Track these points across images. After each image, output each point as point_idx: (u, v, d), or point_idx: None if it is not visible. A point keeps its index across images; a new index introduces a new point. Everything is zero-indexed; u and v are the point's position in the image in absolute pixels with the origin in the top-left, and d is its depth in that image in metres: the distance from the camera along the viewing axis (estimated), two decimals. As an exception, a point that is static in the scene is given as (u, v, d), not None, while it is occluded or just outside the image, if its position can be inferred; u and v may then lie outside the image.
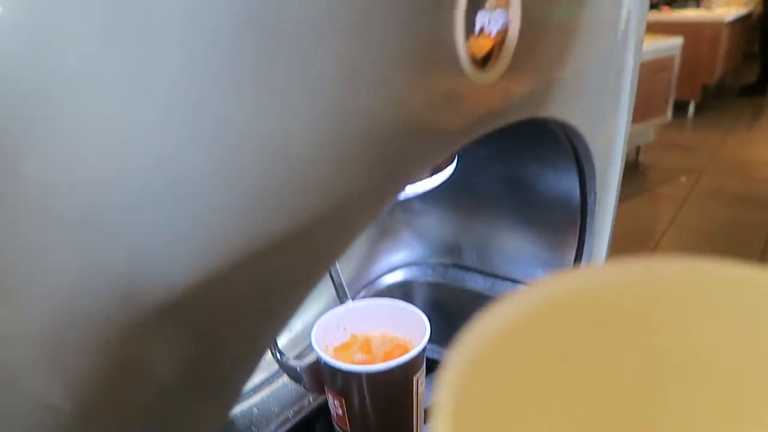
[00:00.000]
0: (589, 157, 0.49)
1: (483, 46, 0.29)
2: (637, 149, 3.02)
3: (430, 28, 0.26)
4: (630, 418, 0.13)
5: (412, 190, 0.35)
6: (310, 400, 0.55)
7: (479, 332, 0.12)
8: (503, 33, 0.30)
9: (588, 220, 0.55)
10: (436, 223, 0.65)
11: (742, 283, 0.13)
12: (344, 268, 0.64)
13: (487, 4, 0.28)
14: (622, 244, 2.29)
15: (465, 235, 0.65)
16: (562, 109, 0.40)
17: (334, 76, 0.22)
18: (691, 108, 3.69)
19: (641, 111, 2.75)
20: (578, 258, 0.58)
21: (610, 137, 0.52)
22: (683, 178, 2.93)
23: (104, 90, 0.16)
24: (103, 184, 0.17)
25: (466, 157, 0.52)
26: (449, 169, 0.38)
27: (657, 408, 0.13)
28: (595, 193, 0.53)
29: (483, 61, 0.29)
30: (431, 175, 0.36)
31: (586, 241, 0.57)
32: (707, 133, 3.48)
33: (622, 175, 0.59)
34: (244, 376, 0.24)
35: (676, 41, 2.85)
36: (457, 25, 0.27)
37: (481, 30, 0.28)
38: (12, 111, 0.15)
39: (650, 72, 2.73)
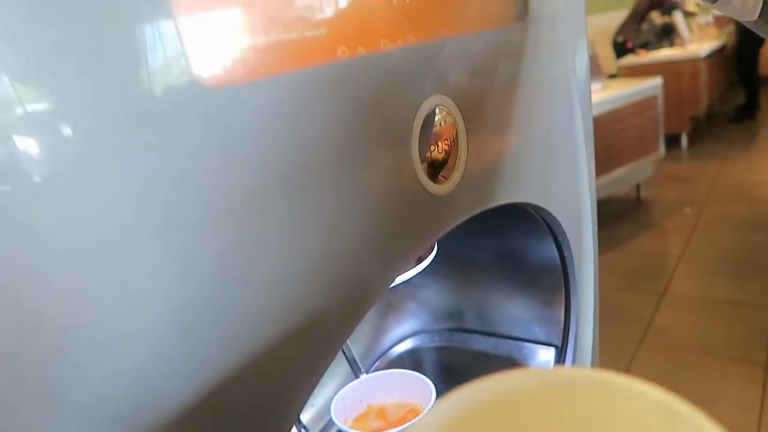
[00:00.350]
0: (559, 226, 0.56)
1: (438, 167, 0.37)
2: (638, 187, 3.08)
3: (397, 169, 0.34)
4: None
5: (401, 278, 0.42)
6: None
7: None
8: (454, 149, 0.39)
9: (570, 278, 0.62)
10: (437, 294, 0.72)
11: (620, 390, 0.17)
12: (357, 344, 0.70)
13: (436, 135, 0.37)
14: (635, 281, 2.31)
15: (465, 301, 0.72)
16: (520, 193, 0.48)
17: (327, 214, 0.30)
18: (684, 140, 3.79)
19: (634, 150, 2.84)
20: (567, 312, 0.64)
21: (576, 203, 0.60)
22: (687, 209, 2.98)
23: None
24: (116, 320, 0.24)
25: (459, 234, 0.59)
26: (431, 257, 0.46)
27: None
28: (572, 255, 0.60)
29: (440, 176, 0.38)
30: (416, 264, 0.44)
31: (572, 297, 0.63)
32: (704, 163, 3.55)
33: (596, 232, 0.66)
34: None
35: (656, 81, 2.99)
36: (414, 160, 0.35)
37: (433, 152, 0.37)
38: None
39: (636, 113, 2.85)
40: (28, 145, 0.20)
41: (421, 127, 0.36)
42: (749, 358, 1.83)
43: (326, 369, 0.31)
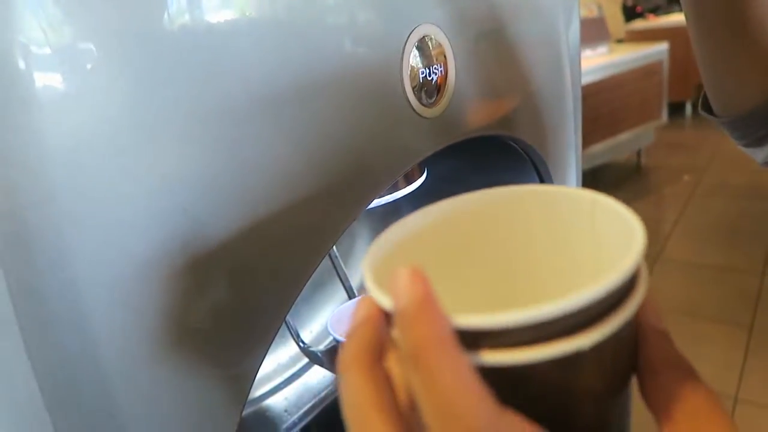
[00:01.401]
0: (544, 164, 0.60)
1: (428, 91, 0.40)
2: (639, 153, 3.10)
3: (388, 85, 0.37)
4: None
5: (392, 197, 0.46)
6: (335, 389, 0.65)
7: (391, 231, 0.23)
8: (443, 78, 0.42)
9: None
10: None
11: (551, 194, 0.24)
12: (353, 273, 0.74)
13: (427, 61, 0.40)
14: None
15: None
16: (506, 126, 0.51)
17: (324, 127, 0.33)
18: (688, 108, 3.77)
19: (637, 115, 2.84)
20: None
21: (561, 146, 0.63)
22: (686, 177, 3.00)
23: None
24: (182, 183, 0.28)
25: (450, 171, 0.63)
26: (420, 180, 0.49)
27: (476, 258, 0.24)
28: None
29: (430, 101, 0.41)
30: (407, 184, 0.47)
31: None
32: (707, 132, 3.55)
33: (581, 178, 0.69)
34: (267, 332, 0.34)
35: (662, 46, 2.96)
36: (405, 80, 0.38)
37: (425, 79, 0.40)
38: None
39: (641, 77, 2.84)
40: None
41: (412, 54, 0.39)
42: (734, 321, 1.89)
43: (315, 268, 0.35)
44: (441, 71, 0.41)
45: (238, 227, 0.31)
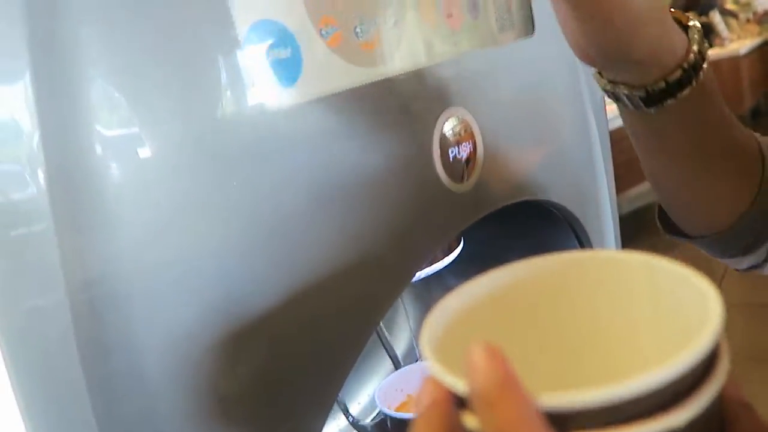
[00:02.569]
0: (577, 221, 0.60)
1: (459, 168, 0.43)
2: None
3: (421, 167, 0.40)
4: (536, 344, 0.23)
5: (431, 269, 0.47)
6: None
7: (445, 303, 0.22)
8: (473, 155, 0.44)
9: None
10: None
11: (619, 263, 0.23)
12: (399, 341, 0.75)
13: (456, 140, 0.42)
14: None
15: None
16: (536, 190, 0.52)
17: (366, 212, 0.36)
18: (728, 142, 3.68)
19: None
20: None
21: (592, 200, 0.63)
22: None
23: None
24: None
25: (482, 236, 0.64)
26: (457, 250, 0.51)
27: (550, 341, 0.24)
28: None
29: (461, 177, 0.43)
30: (444, 256, 0.49)
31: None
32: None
33: (617, 227, 0.69)
34: (319, 410, 0.35)
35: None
36: (436, 162, 0.41)
37: (455, 157, 0.42)
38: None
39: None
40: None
41: (442, 135, 0.41)
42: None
43: (365, 345, 0.37)
44: (470, 148, 0.44)
45: (286, 304, 0.33)
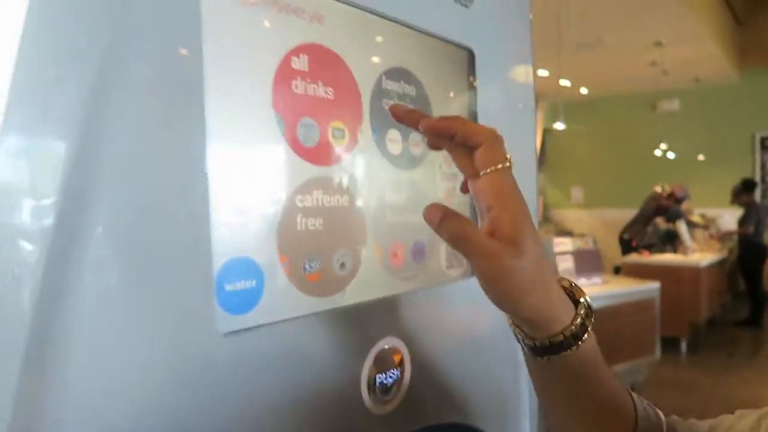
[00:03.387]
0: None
1: (382, 391, 0.47)
2: (631, 389, 3.06)
3: (347, 388, 0.44)
4: None
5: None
6: None
7: None
8: (399, 382, 0.49)
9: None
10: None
11: None
12: None
13: (386, 367, 0.47)
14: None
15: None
16: (460, 415, 0.56)
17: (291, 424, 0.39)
18: (683, 345, 3.80)
19: (630, 350, 2.87)
20: None
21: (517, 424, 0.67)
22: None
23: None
24: None
25: None
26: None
27: None
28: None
29: (384, 401, 0.47)
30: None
31: None
32: (703, 371, 3.52)
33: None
34: None
35: (655, 285, 3.10)
36: (362, 386, 0.45)
37: (381, 383, 0.47)
38: None
39: (634, 312, 2.93)
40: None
41: (372, 362, 0.46)
42: None
43: None
44: (398, 374, 0.49)
45: None
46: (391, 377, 0.48)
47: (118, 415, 0.33)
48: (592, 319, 0.41)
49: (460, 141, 0.38)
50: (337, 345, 0.45)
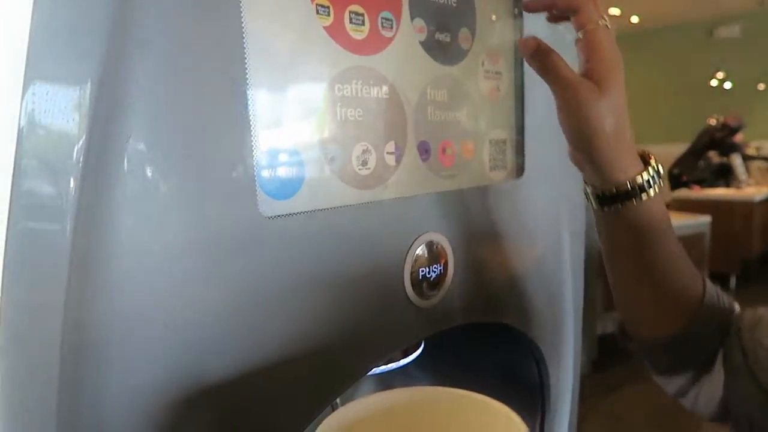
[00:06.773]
0: (538, 349, 0.64)
1: (427, 286, 0.48)
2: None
3: (391, 280, 0.45)
4: None
5: (387, 367, 0.52)
6: None
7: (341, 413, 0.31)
8: (442, 277, 0.49)
9: (547, 406, 0.68)
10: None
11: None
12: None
13: (429, 262, 0.48)
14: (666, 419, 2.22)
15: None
16: (500, 315, 0.57)
17: (330, 311, 0.41)
18: (733, 281, 3.70)
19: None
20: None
21: (559, 338, 0.67)
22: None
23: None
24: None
25: (452, 347, 0.67)
26: (415, 353, 0.55)
27: None
28: (549, 383, 0.66)
29: (427, 295, 0.48)
30: (405, 356, 0.53)
31: (546, 425, 0.68)
32: (751, 306, 3.42)
33: (578, 371, 0.72)
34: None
35: (705, 219, 2.99)
36: (405, 278, 0.46)
37: (424, 276, 0.48)
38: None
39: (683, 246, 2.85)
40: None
41: (416, 255, 0.47)
42: None
43: (314, 418, 0.41)
44: (440, 269, 0.49)
45: (248, 375, 0.37)
46: (434, 271, 0.49)
47: (167, 293, 0.34)
48: (660, 182, 0.43)
49: (563, 8, 0.43)
50: (379, 236, 0.45)
